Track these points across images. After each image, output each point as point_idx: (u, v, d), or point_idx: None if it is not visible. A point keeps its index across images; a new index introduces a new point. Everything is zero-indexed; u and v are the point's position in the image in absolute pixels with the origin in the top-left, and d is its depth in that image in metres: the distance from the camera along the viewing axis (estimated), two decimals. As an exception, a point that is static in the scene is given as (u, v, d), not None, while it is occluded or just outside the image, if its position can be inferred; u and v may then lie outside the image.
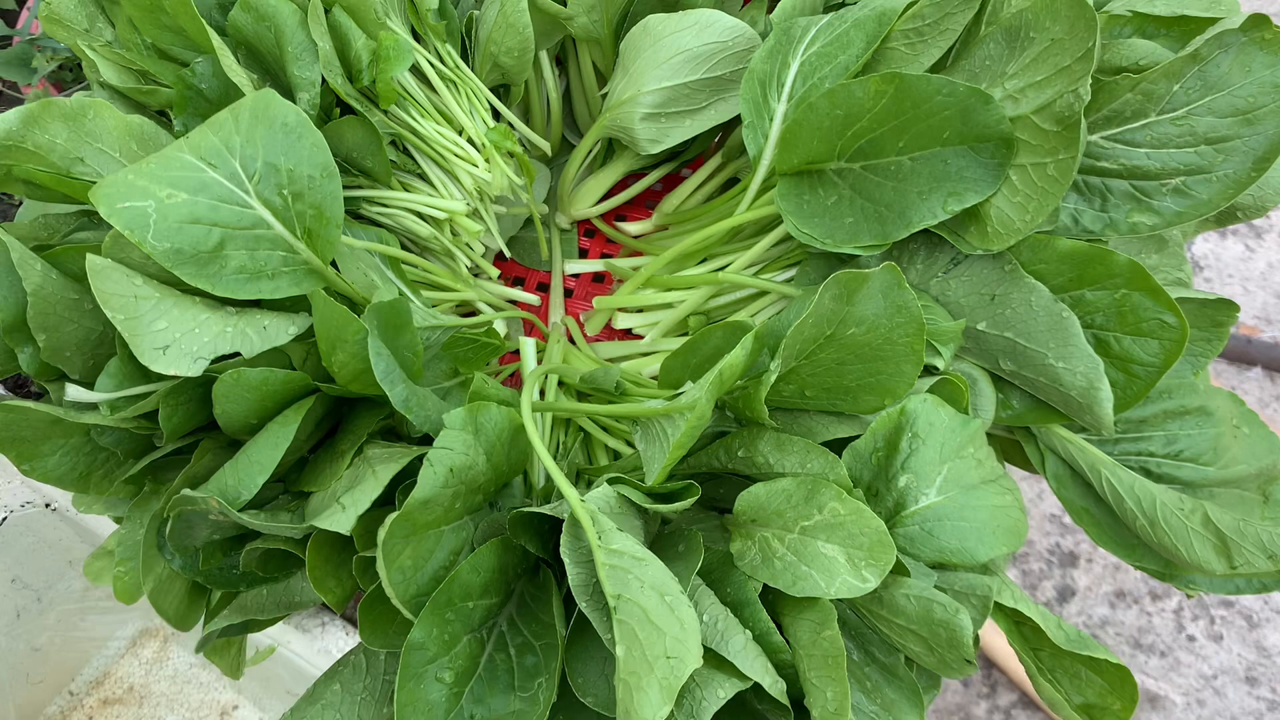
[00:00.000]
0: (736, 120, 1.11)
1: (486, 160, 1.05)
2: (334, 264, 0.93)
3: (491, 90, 1.13)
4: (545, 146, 1.15)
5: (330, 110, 0.97)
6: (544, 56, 1.16)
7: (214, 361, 0.75)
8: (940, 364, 0.79)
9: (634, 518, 0.72)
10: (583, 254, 1.25)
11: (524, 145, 1.19)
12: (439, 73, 1.04)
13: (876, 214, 0.84)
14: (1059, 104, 0.74)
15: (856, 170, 0.87)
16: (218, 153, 0.77)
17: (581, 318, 1.17)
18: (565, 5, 1.08)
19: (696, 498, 0.72)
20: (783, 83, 0.95)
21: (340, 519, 0.68)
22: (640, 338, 1.09)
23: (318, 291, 0.72)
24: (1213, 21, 0.86)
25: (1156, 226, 0.81)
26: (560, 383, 1.04)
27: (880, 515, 0.75)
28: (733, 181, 1.19)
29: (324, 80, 0.92)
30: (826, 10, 1.12)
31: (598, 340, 1.13)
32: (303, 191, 0.79)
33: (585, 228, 1.25)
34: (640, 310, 1.08)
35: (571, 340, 1.12)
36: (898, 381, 0.74)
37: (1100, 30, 0.87)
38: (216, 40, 0.84)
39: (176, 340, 0.74)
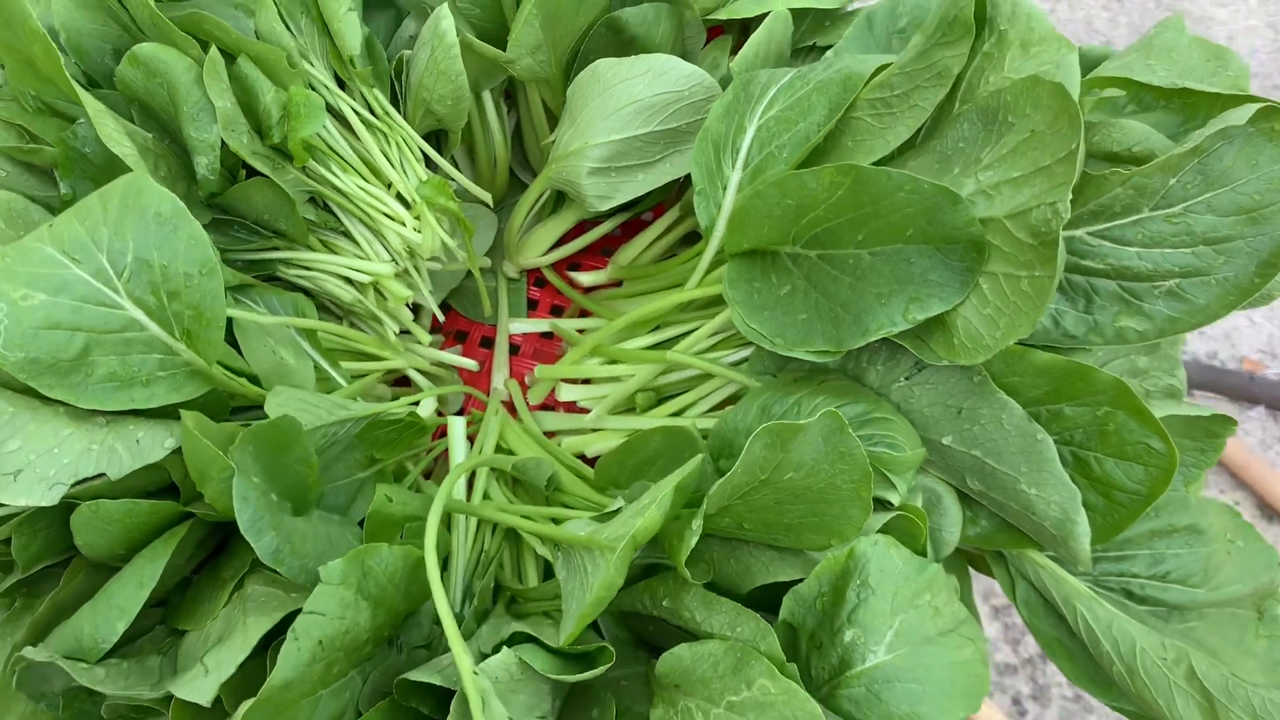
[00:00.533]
0: (694, 174, 1.01)
1: (417, 218, 0.95)
2: (235, 346, 0.84)
3: (428, 135, 1.03)
4: (486, 198, 1.05)
5: (236, 170, 0.88)
6: (487, 96, 1.06)
7: (78, 483, 0.66)
8: (895, 498, 0.70)
9: (539, 682, 0.64)
10: (533, 305, 1.15)
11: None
12: (365, 121, 0.95)
13: (832, 314, 0.75)
14: (1035, 215, 0.64)
15: (812, 259, 0.78)
16: (83, 246, 0.68)
17: (527, 379, 1.08)
18: (505, 49, 0.98)
19: (610, 664, 0.64)
20: (738, 148, 0.85)
21: (201, 687, 0.60)
22: (586, 410, 1.00)
23: (186, 423, 0.63)
24: (1216, 97, 0.76)
25: (1147, 334, 0.72)
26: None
27: (823, 672, 0.67)
28: (695, 236, 1.09)
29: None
30: (795, 53, 1.02)
31: (541, 409, 1.04)
32: (179, 290, 0.70)
33: (535, 276, 1.16)
34: (586, 382, 0.99)
35: (513, 409, 1.04)
36: (844, 524, 0.66)
37: (1089, 111, 0.78)
38: (94, 105, 0.75)
39: (31, 463, 0.65)
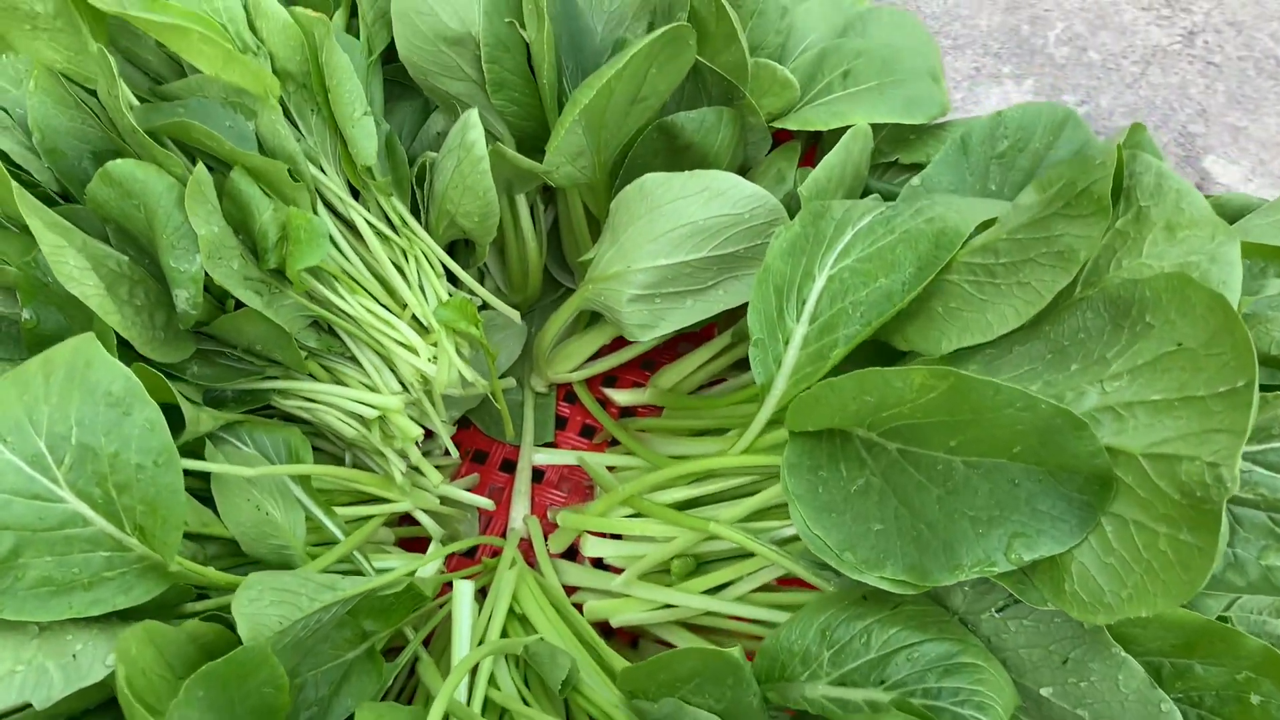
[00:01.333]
0: (750, 304, 0.88)
1: (434, 345, 0.83)
2: (210, 501, 0.73)
3: (453, 244, 0.91)
4: (514, 315, 0.93)
5: (225, 296, 0.76)
6: (521, 200, 0.94)
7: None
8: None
9: None
10: (561, 423, 1.03)
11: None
12: (379, 233, 0.83)
13: (915, 533, 0.62)
14: (1187, 469, 0.51)
15: (892, 453, 0.65)
16: (18, 426, 0.57)
17: (550, 517, 0.96)
18: (543, 150, 0.85)
19: None
20: (804, 298, 0.73)
21: None
22: (617, 569, 0.88)
23: (118, 672, 0.52)
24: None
25: (1301, 579, 0.59)
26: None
27: None
28: (742, 363, 0.97)
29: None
30: (875, 168, 0.89)
31: (563, 557, 0.92)
32: (129, 483, 0.58)
33: (566, 390, 1.04)
34: (616, 537, 0.87)
35: (531, 556, 0.91)
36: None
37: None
38: (51, 242, 0.63)
39: (-61, 692, 0.54)
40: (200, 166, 0.69)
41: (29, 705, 0.56)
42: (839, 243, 0.73)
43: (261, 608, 0.64)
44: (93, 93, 0.74)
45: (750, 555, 0.81)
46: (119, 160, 0.69)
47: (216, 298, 0.76)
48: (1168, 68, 1.91)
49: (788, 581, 0.83)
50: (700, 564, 0.84)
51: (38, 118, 0.74)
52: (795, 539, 0.78)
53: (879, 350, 0.73)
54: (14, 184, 0.62)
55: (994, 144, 0.81)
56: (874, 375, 0.60)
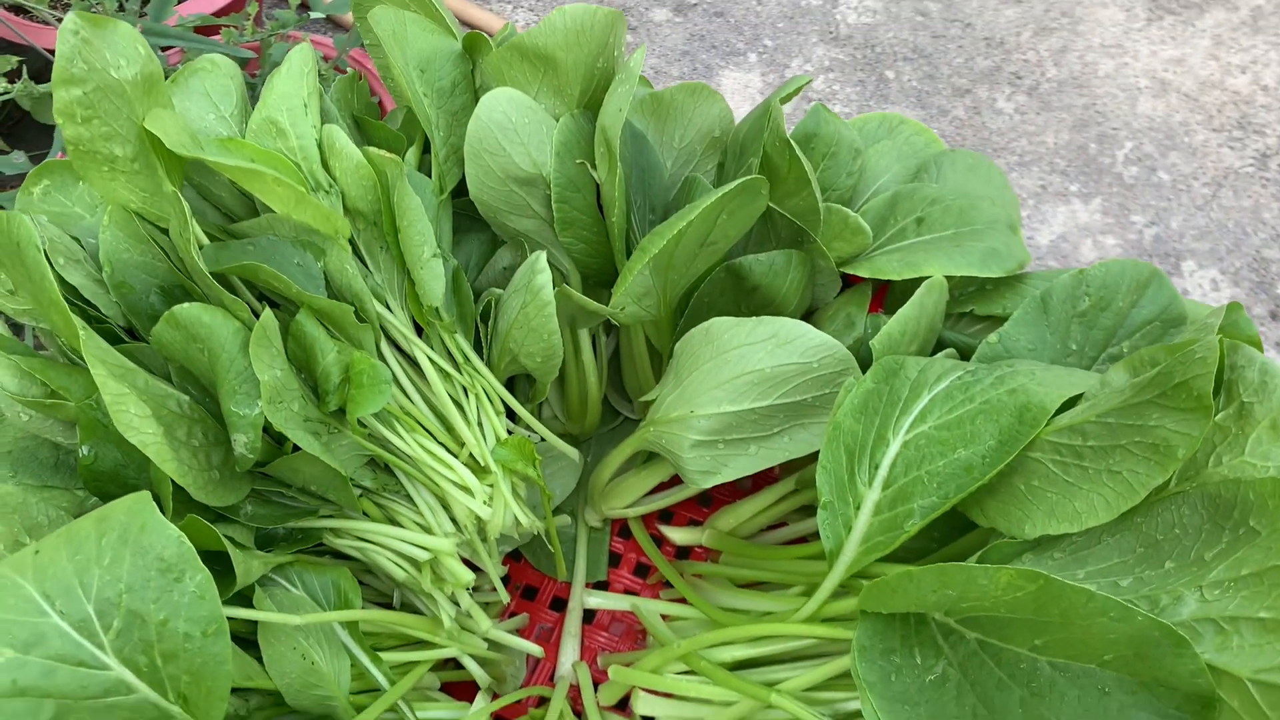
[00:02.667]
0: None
1: (490, 485, 0.81)
2: (255, 649, 0.71)
3: (516, 376, 0.90)
4: (573, 454, 0.91)
5: (283, 438, 0.75)
6: (584, 334, 0.92)
7: None
8: None
9: None
10: (615, 560, 1.00)
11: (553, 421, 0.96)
12: (441, 370, 0.82)
13: (994, 737, 0.58)
14: (1305, 709, 0.47)
15: (971, 642, 0.61)
16: (67, 589, 0.56)
17: (599, 663, 0.93)
18: (609, 286, 0.84)
19: None
20: (877, 463, 0.70)
21: None
22: (665, 725, 0.84)
23: None
24: None
25: None
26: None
27: None
28: (810, 508, 0.93)
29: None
30: (948, 317, 0.86)
31: (613, 710, 0.88)
32: (177, 653, 0.56)
33: (620, 526, 1.01)
34: (670, 697, 0.83)
35: (579, 705, 0.88)
36: None
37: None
38: (113, 391, 0.63)
39: None
40: (268, 313, 0.69)
41: None
42: (915, 406, 0.70)
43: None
44: (164, 230, 0.74)
45: (812, 725, 0.77)
46: (186, 305, 0.68)
47: (274, 438, 0.75)
48: (1240, 190, 1.87)
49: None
50: (757, 729, 0.80)
51: (109, 251, 0.74)
52: (859, 714, 0.74)
53: (958, 518, 0.70)
54: (80, 330, 0.62)
55: (1075, 302, 0.78)
56: (957, 571, 0.56)
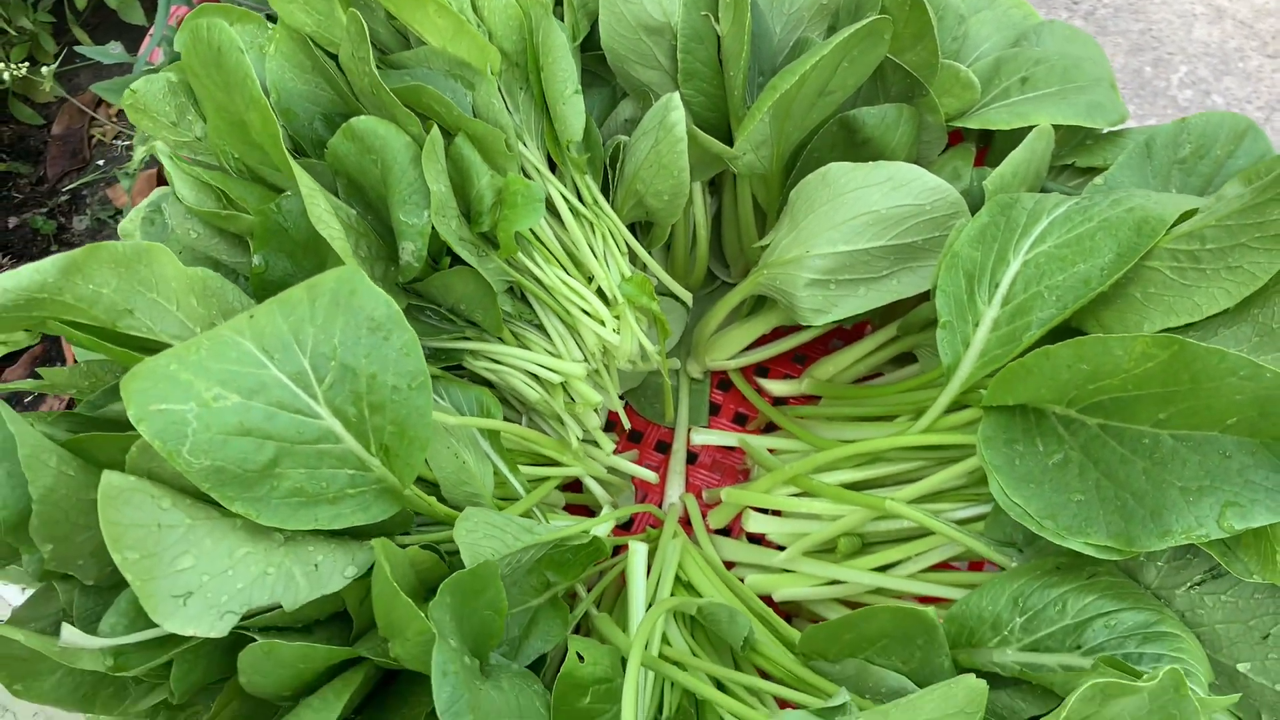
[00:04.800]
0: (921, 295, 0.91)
1: (617, 317, 0.87)
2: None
3: (631, 226, 0.95)
4: (687, 298, 0.97)
5: (439, 255, 0.81)
6: (696, 186, 0.98)
7: (249, 615, 0.59)
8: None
9: None
10: (714, 409, 1.06)
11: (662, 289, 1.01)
12: (573, 209, 0.87)
13: (1119, 503, 0.63)
14: None
15: (1092, 428, 0.66)
16: (284, 345, 0.61)
17: (705, 497, 0.99)
18: (727, 138, 0.89)
19: None
20: (997, 282, 0.75)
21: None
22: (776, 546, 0.90)
23: (381, 568, 0.55)
24: None
25: None
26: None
27: None
28: (907, 357, 0.99)
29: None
30: (1057, 171, 0.91)
31: (722, 534, 0.94)
32: (384, 404, 0.62)
33: (720, 378, 1.07)
34: (779, 514, 0.89)
35: (689, 528, 0.94)
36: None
37: None
38: (307, 183, 0.68)
39: (203, 585, 0.58)
40: (435, 129, 0.74)
41: (278, 606, 0.60)
42: (1034, 229, 0.75)
43: (478, 539, 0.67)
44: (332, 57, 0.79)
45: (919, 536, 0.83)
46: (363, 117, 0.74)
47: (432, 256, 0.80)
48: (1292, 113, 1.91)
49: (951, 567, 0.85)
50: (865, 544, 0.86)
51: (275, 79, 0.79)
52: (971, 521, 0.80)
53: (1070, 336, 0.75)
54: (279, 124, 0.67)
55: (1177, 149, 0.83)
56: (1093, 343, 0.62)
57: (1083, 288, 0.71)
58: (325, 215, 0.69)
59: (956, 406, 0.79)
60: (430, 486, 0.78)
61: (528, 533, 0.73)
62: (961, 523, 0.80)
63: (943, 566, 0.83)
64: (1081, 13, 1.93)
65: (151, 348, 0.71)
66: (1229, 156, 0.83)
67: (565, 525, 0.75)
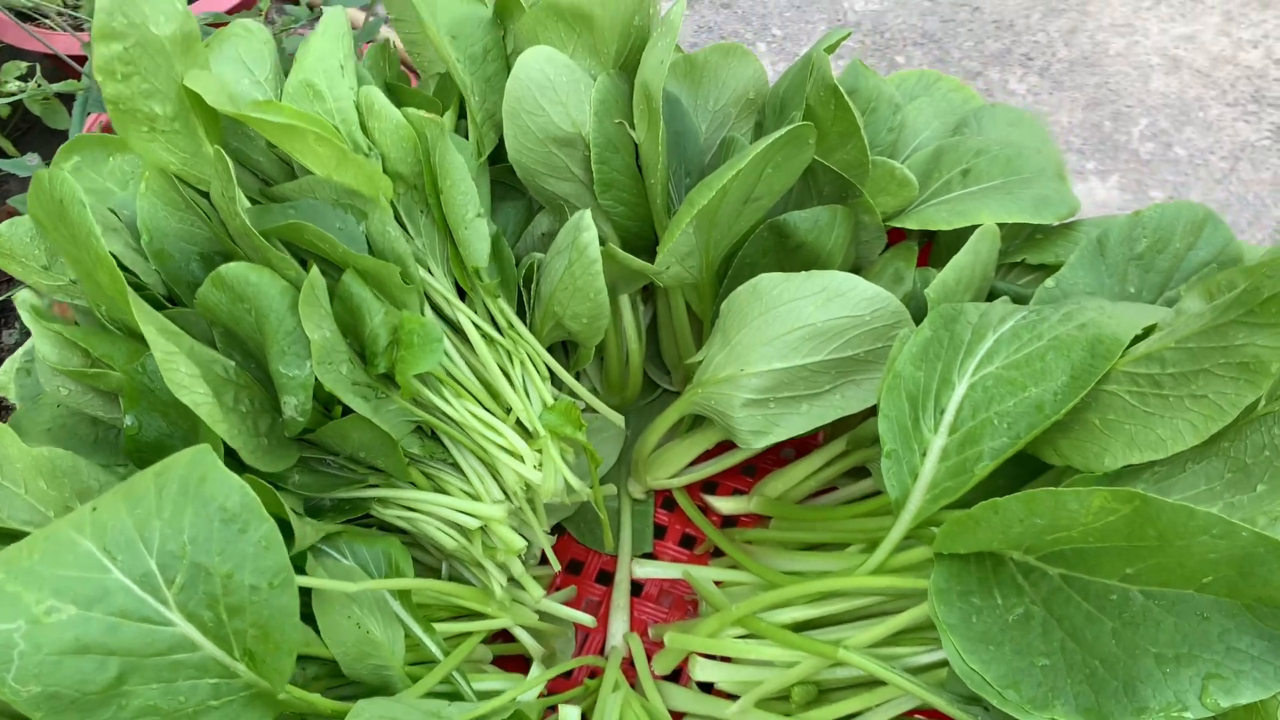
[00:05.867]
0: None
1: (539, 451, 0.80)
2: (310, 620, 0.69)
3: (554, 345, 0.89)
4: (618, 421, 0.90)
5: (331, 402, 0.73)
6: (624, 300, 0.91)
7: None
8: None
9: None
10: (660, 532, 0.99)
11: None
12: (487, 336, 0.80)
13: (1087, 669, 0.56)
14: None
15: (1054, 578, 0.59)
16: (129, 543, 0.54)
17: (651, 634, 0.91)
18: (651, 251, 0.83)
19: None
20: (942, 407, 0.68)
21: None
22: (724, 695, 0.82)
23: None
24: None
25: None
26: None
27: None
28: (860, 470, 0.92)
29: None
30: (1006, 269, 0.85)
31: (671, 679, 0.86)
32: (242, 606, 0.54)
33: (665, 497, 1.00)
34: (729, 661, 0.81)
35: (632, 676, 0.86)
36: None
37: None
38: (162, 347, 0.61)
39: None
40: (315, 270, 0.67)
41: None
42: (980, 348, 0.68)
43: (371, 739, 0.59)
44: (204, 194, 0.73)
45: (880, 684, 0.75)
46: (232, 264, 0.67)
47: (322, 404, 0.73)
48: (1258, 163, 1.87)
49: (921, 712, 0.77)
50: (822, 691, 0.79)
51: (147, 219, 0.73)
52: (931, 667, 0.72)
53: (1025, 463, 0.69)
54: (127, 288, 0.60)
55: (1132, 244, 0.77)
56: (1045, 496, 0.55)
57: (1036, 414, 0.64)
58: (186, 380, 0.62)
59: (911, 540, 0.72)
60: (327, 664, 0.70)
61: (434, 718, 0.65)
62: (925, 669, 0.72)
63: (911, 714, 0.75)
64: (1036, 69, 1.89)
65: (3, 535, 0.63)
66: (1189, 249, 0.77)
67: (478, 705, 0.67)
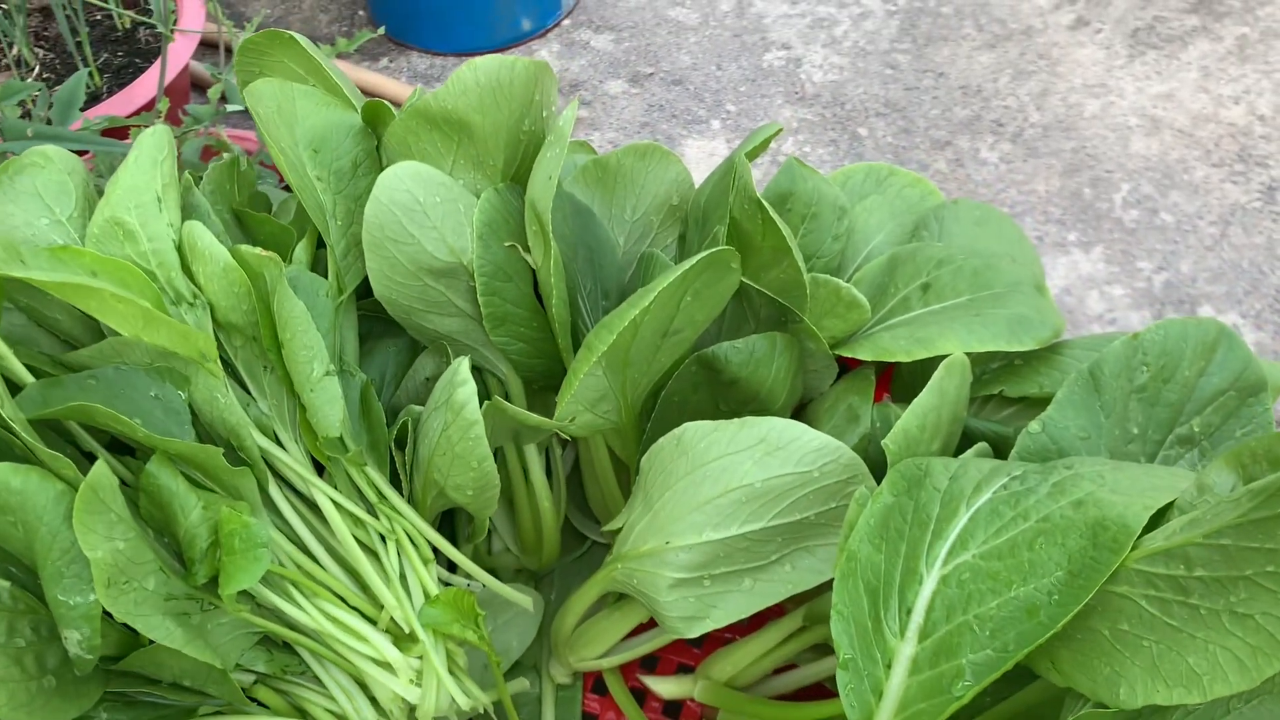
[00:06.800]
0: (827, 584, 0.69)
1: (419, 658, 0.64)
2: None
3: (449, 510, 0.74)
4: (525, 602, 0.75)
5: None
6: (532, 451, 0.76)
7: None
8: None
9: None
10: None
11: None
12: (350, 514, 0.65)
13: None
14: None
15: None
16: None
17: None
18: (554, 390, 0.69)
19: None
20: (909, 605, 0.54)
21: None
22: None
23: None
24: None
25: None
26: None
27: None
28: (823, 647, 0.77)
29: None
30: (981, 402, 0.71)
31: None
32: None
33: (594, 679, 0.84)
34: None
35: None
36: None
37: None
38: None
39: None
40: (98, 467, 0.53)
41: None
42: (951, 527, 0.54)
43: None
44: (-24, 371, 0.58)
45: None
46: (-9, 466, 0.52)
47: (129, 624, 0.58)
48: (1250, 227, 1.74)
49: None
50: None
51: (-87, 400, 0.58)
52: None
53: (1021, 680, 0.54)
54: None
55: (1132, 375, 0.63)
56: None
57: (1026, 621, 0.50)
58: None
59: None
60: None
61: None
62: None
63: None
64: (1008, 135, 1.78)
65: None
66: (1200, 375, 0.63)
67: None
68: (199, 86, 1.72)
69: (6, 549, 0.55)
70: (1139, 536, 0.48)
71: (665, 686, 0.79)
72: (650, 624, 0.81)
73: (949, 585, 0.53)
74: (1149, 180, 1.72)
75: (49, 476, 0.53)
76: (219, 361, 0.61)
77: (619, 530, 0.71)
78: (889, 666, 0.54)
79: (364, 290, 0.72)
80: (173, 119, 1.47)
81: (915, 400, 0.62)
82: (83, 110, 1.33)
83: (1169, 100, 1.81)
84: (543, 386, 0.75)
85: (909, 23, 1.95)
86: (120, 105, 1.38)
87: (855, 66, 1.88)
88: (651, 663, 0.85)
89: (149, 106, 1.44)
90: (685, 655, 0.85)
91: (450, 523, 0.79)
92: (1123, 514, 0.48)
